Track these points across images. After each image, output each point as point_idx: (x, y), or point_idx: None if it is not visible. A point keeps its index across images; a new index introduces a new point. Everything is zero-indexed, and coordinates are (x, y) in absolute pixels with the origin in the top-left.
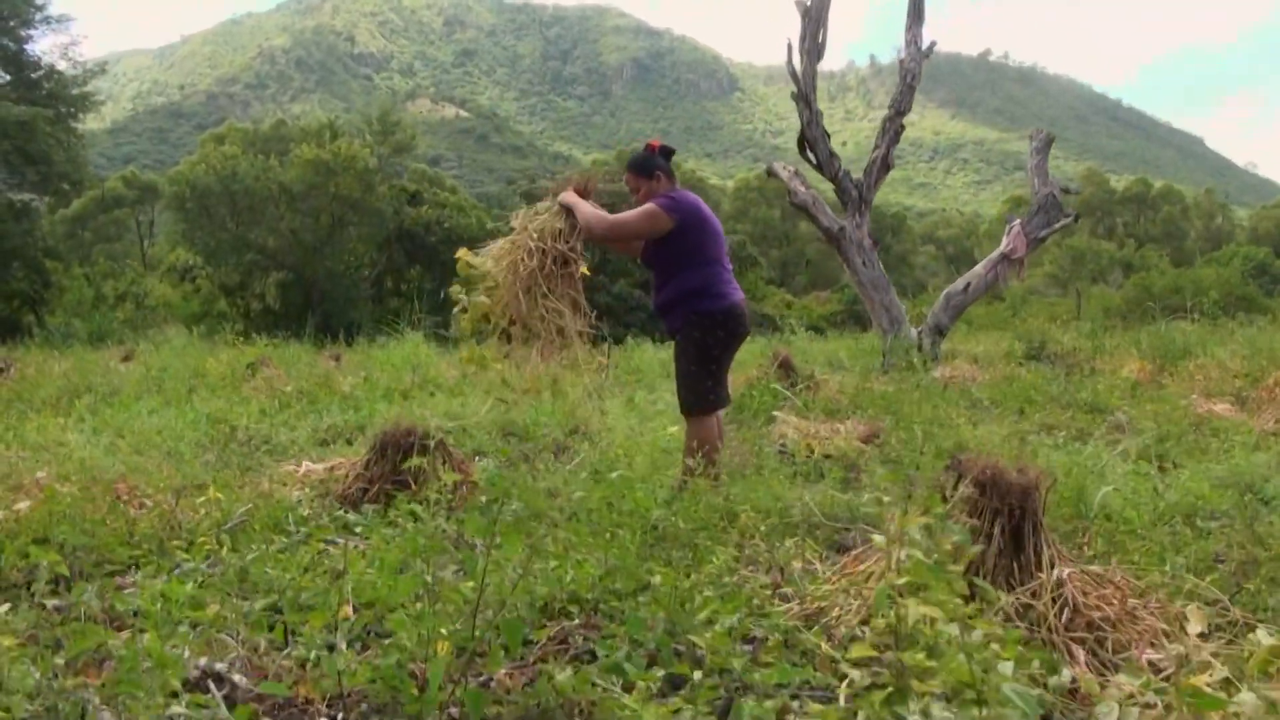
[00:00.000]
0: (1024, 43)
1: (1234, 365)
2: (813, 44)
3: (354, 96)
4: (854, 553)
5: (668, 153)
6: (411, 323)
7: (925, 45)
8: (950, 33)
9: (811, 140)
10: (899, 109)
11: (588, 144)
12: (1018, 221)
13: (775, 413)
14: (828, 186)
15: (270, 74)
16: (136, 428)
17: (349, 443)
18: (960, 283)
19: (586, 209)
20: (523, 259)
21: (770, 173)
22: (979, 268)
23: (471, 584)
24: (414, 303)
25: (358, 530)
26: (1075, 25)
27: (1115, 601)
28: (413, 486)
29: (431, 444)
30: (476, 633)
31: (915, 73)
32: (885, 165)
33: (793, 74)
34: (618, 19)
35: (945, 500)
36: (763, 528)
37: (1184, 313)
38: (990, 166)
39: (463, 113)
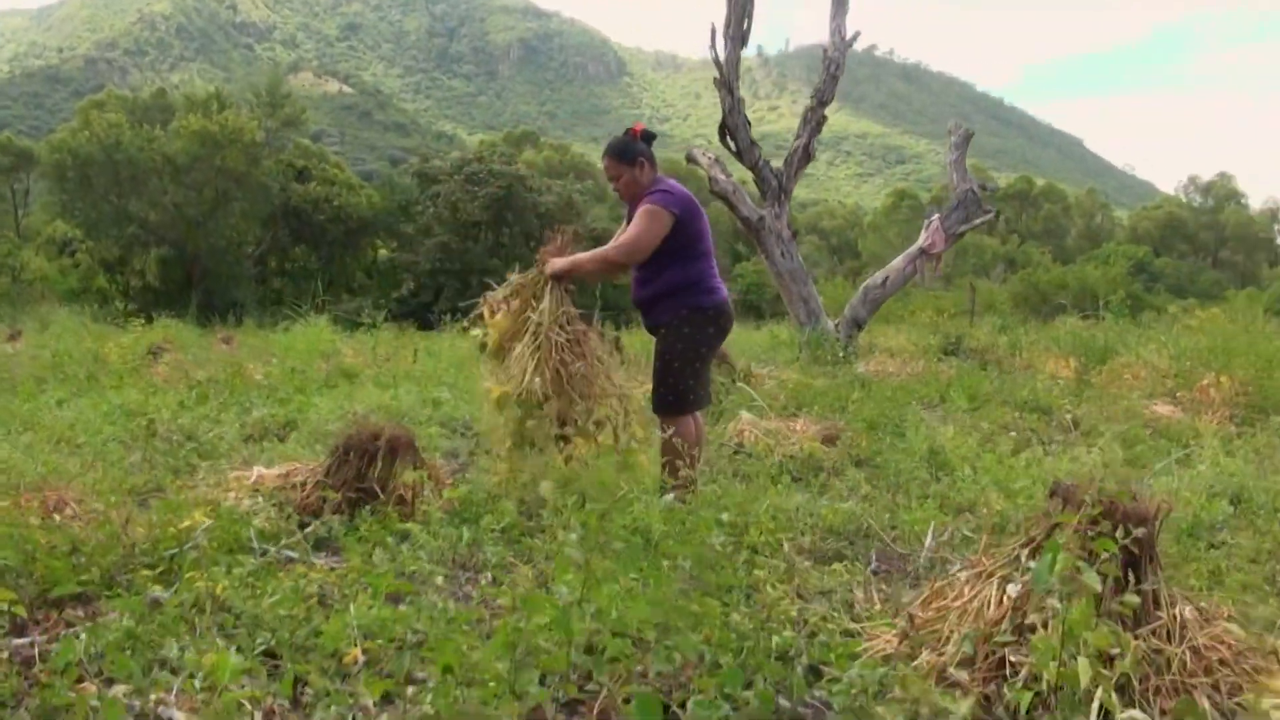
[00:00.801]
0: (909, 40)
1: (1162, 365)
2: (737, 30)
3: (235, 67)
4: (934, 584)
5: (649, 137)
6: (315, 305)
7: (849, 35)
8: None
9: (732, 127)
10: (821, 99)
11: (473, 124)
12: (936, 216)
13: (744, 411)
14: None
15: (150, 40)
16: (46, 421)
17: (279, 439)
18: (878, 276)
19: (587, 257)
20: (544, 366)
21: (690, 159)
22: (897, 261)
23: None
24: (316, 283)
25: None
26: (959, 26)
27: (1229, 641)
28: (380, 496)
29: (399, 447)
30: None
31: (839, 62)
32: (806, 155)
33: (715, 60)
34: None
35: (1048, 532)
36: (785, 545)
37: (1069, 309)
38: (873, 160)
39: (346, 88)
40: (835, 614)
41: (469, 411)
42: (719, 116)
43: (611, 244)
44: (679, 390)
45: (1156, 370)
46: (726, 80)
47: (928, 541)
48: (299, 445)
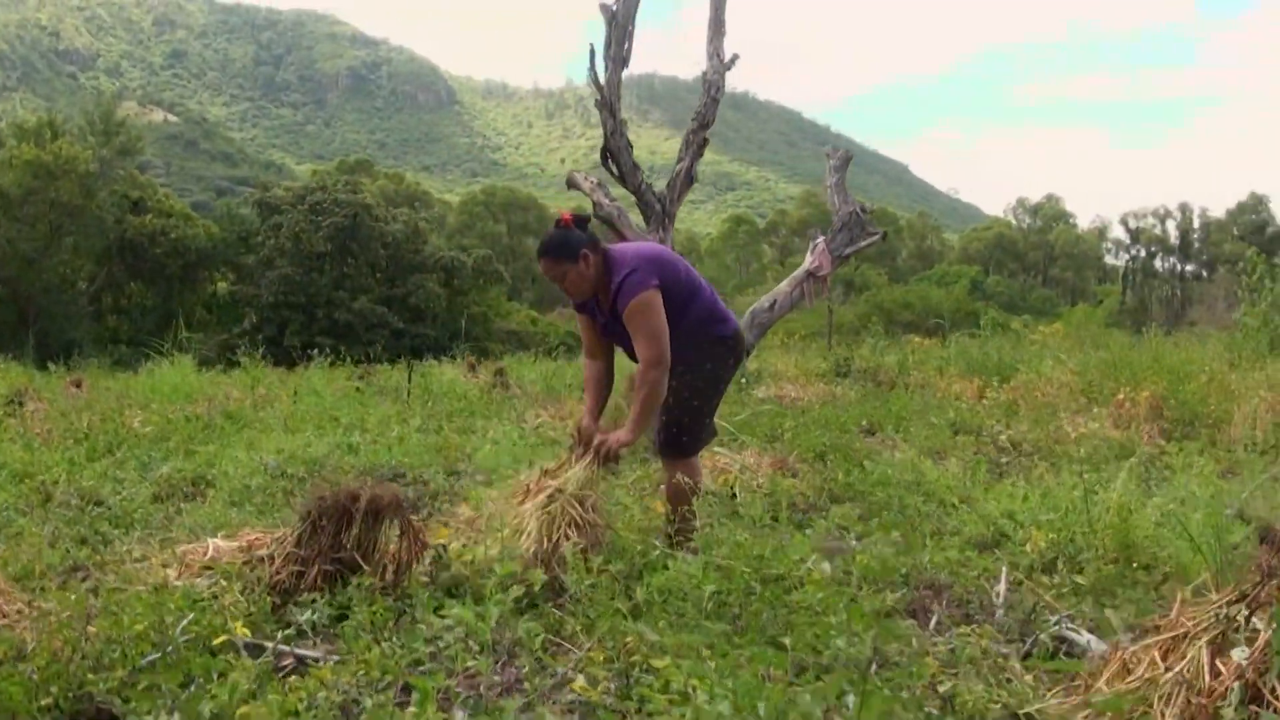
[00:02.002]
0: (738, 69)
1: (1068, 380)
2: (618, 50)
3: (58, 96)
4: (1115, 653)
5: (583, 222)
6: (178, 344)
7: (728, 59)
8: (666, 57)
9: (615, 150)
10: (703, 121)
11: (301, 154)
12: (822, 239)
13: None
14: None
15: None
16: None
17: (196, 499)
18: (765, 300)
19: (639, 412)
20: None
21: (571, 183)
22: (784, 285)
23: None
24: (175, 319)
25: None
26: (785, 54)
27: None
28: (364, 566)
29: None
30: None
31: (718, 85)
32: (689, 178)
33: (595, 81)
34: (333, 25)
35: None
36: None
37: (913, 328)
38: (705, 187)
39: (172, 117)
40: (991, 689)
41: (392, 458)
42: (550, 145)
43: (639, 376)
44: (694, 430)
45: (1065, 386)
46: (609, 102)
47: (1001, 589)
48: (223, 506)
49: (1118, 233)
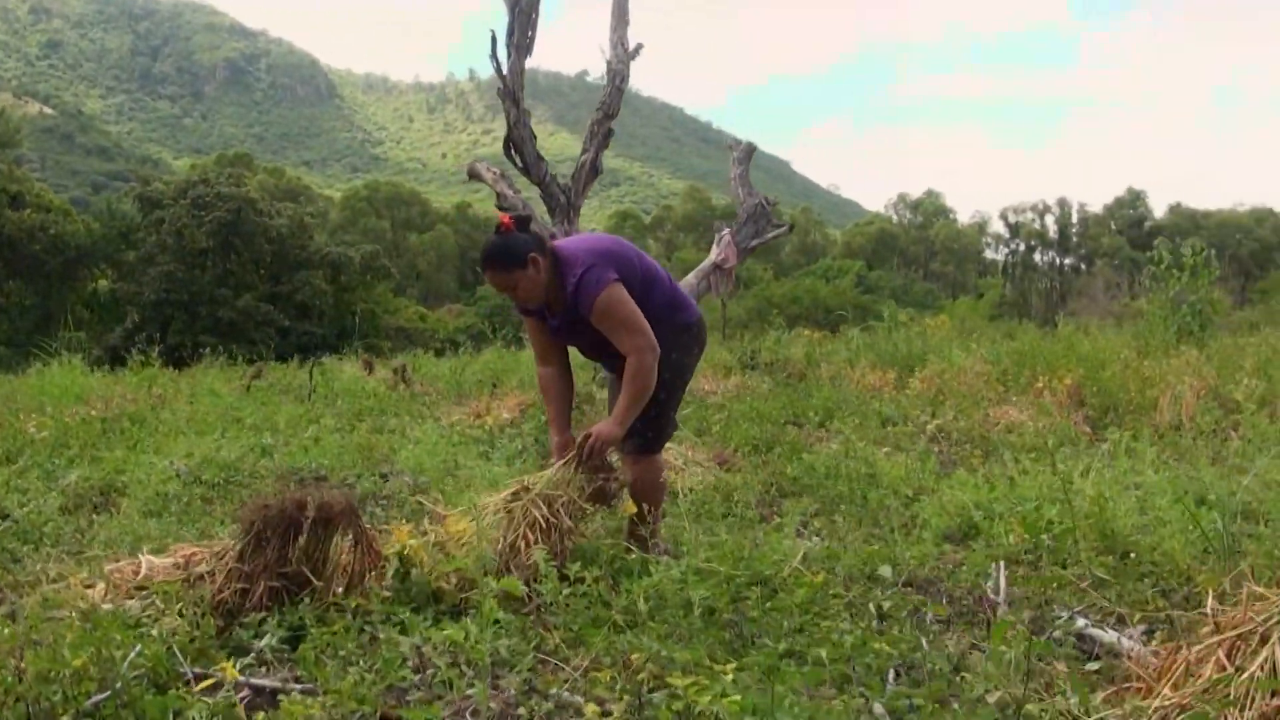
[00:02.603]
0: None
1: (982, 370)
2: (521, 39)
3: None
4: (1168, 652)
5: (525, 222)
6: (68, 345)
7: (632, 47)
8: (549, 52)
9: (518, 141)
10: (607, 112)
11: (179, 148)
12: (728, 231)
13: None
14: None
15: None
16: None
17: (100, 509)
18: None
19: (626, 403)
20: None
21: (472, 174)
22: (690, 278)
23: None
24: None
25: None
26: (666, 51)
27: None
28: (315, 582)
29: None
30: None
31: (623, 74)
32: (594, 170)
33: (498, 70)
34: (211, 16)
35: None
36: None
37: (802, 321)
38: (596, 183)
39: (47, 110)
40: (1039, 694)
41: (310, 460)
42: (432, 140)
43: (631, 366)
44: (660, 425)
45: (980, 376)
46: (511, 91)
47: (1001, 584)
48: (139, 516)
49: (997, 227)
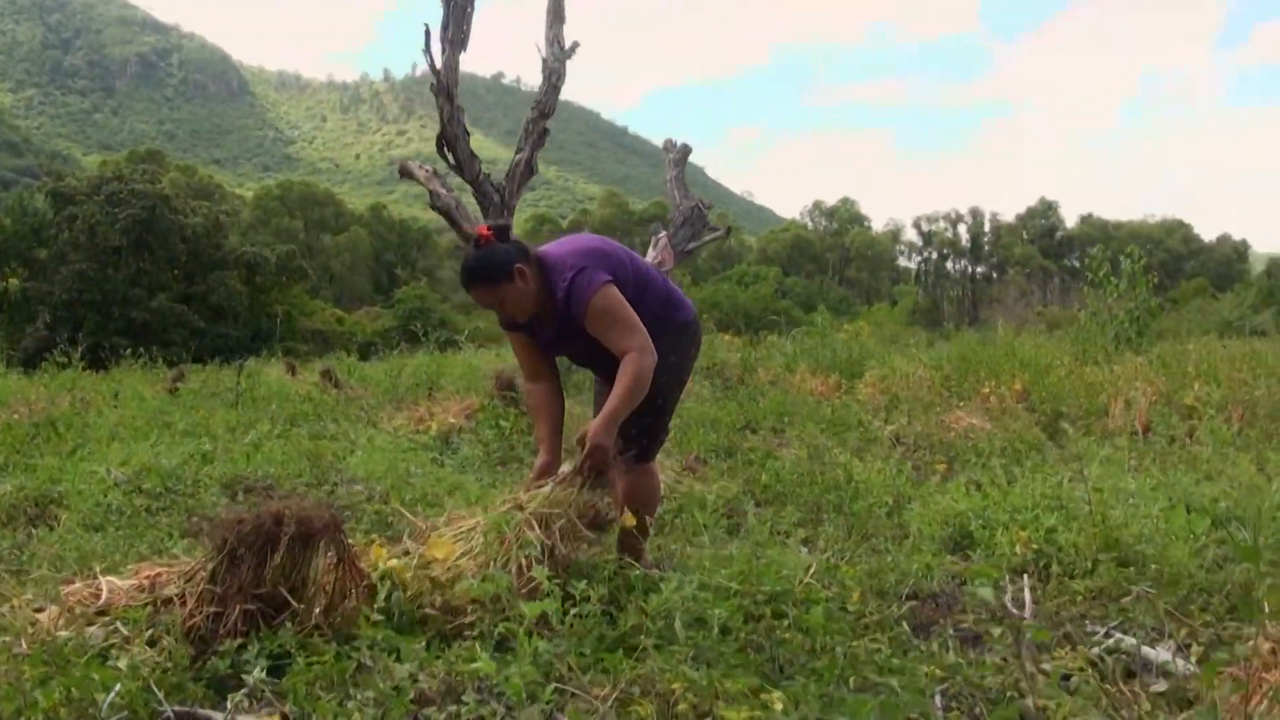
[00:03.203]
0: (534, 69)
1: (924, 375)
2: (456, 33)
3: None
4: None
5: (505, 231)
6: None
7: (568, 45)
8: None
9: (451, 139)
10: (543, 110)
11: (89, 143)
12: (664, 234)
13: None
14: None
15: None
16: None
17: (36, 522)
18: None
19: (616, 401)
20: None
21: (404, 172)
22: None
23: None
24: None
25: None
26: (582, 52)
27: None
28: (294, 604)
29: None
30: None
31: (559, 73)
32: (529, 169)
33: (432, 65)
34: (123, 9)
35: None
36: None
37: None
38: None
39: None
40: None
41: (253, 468)
42: (345, 140)
43: (626, 364)
44: (656, 432)
45: (922, 381)
46: (445, 87)
47: (1026, 598)
48: (81, 530)
49: (911, 235)
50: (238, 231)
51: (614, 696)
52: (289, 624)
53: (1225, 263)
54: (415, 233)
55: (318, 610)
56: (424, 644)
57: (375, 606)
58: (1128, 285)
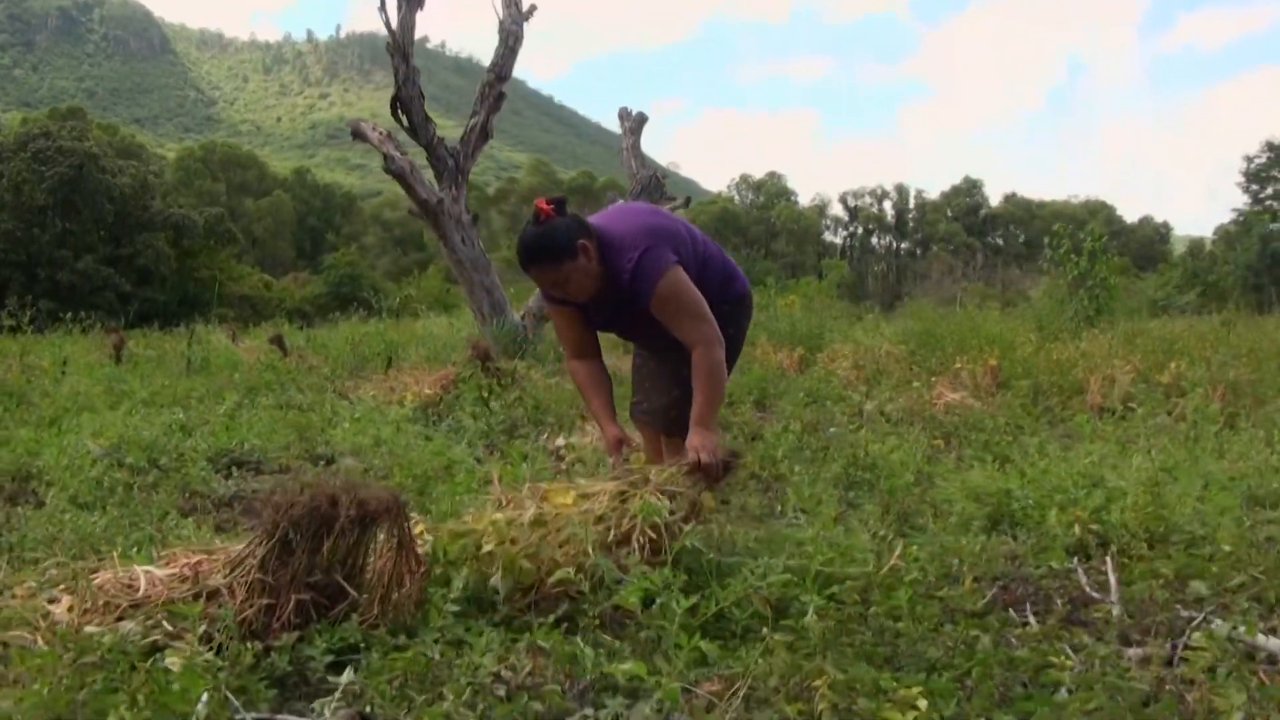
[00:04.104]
0: (461, 34)
1: (890, 349)
2: None
3: None
4: None
5: (563, 205)
6: None
7: (526, 7)
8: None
9: (406, 101)
10: (500, 74)
11: (7, 100)
12: (620, 203)
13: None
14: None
15: None
16: None
17: (16, 500)
18: None
19: (703, 405)
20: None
21: (356, 133)
22: None
23: None
24: None
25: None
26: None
27: None
28: (353, 593)
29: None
30: None
31: (517, 35)
32: (485, 133)
33: (387, 24)
34: None
35: None
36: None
37: None
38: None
39: None
40: None
41: (236, 440)
42: (267, 101)
43: (699, 362)
44: None
45: (890, 355)
46: (401, 46)
47: (1111, 580)
48: (75, 508)
49: (837, 210)
50: (161, 193)
51: (742, 693)
52: (353, 616)
53: (1147, 244)
54: (339, 198)
55: (381, 597)
56: (499, 633)
57: (450, 596)
58: (1088, 264)
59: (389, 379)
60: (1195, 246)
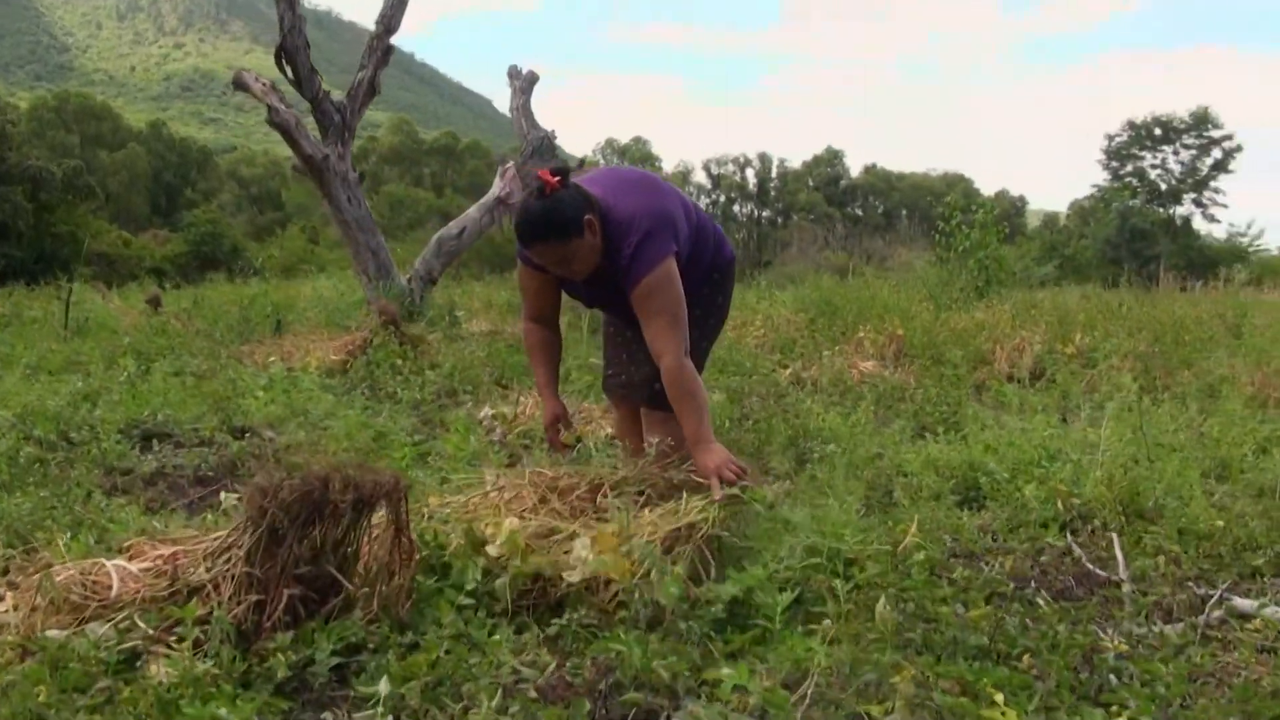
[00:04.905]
0: None
1: (791, 317)
2: None
3: None
4: None
5: (567, 175)
6: None
7: None
8: None
9: (291, 51)
10: (388, 25)
11: None
12: (512, 164)
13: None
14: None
15: None
16: None
17: None
18: (454, 227)
19: (696, 431)
20: None
21: (239, 84)
22: (473, 211)
23: None
24: None
25: None
26: None
27: None
28: (347, 585)
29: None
30: None
31: None
32: (372, 89)
33: None
34: None
35: None
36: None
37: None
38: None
39: None
40: None
41: (146, 410)
42: (121, 50)
43: (670, 379)
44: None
45: (791, 324)
46: None
47: (1119, 556)
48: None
49: (700, 178)
50: (16, 144)
51: (809, 691)
52: (355, 611)
53: (1004, 217)
54: (195, 153)
55: (378, 591)
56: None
57: (465, 588)
58: (979, 235)
59: (284, 344)
60: (1050, 220)
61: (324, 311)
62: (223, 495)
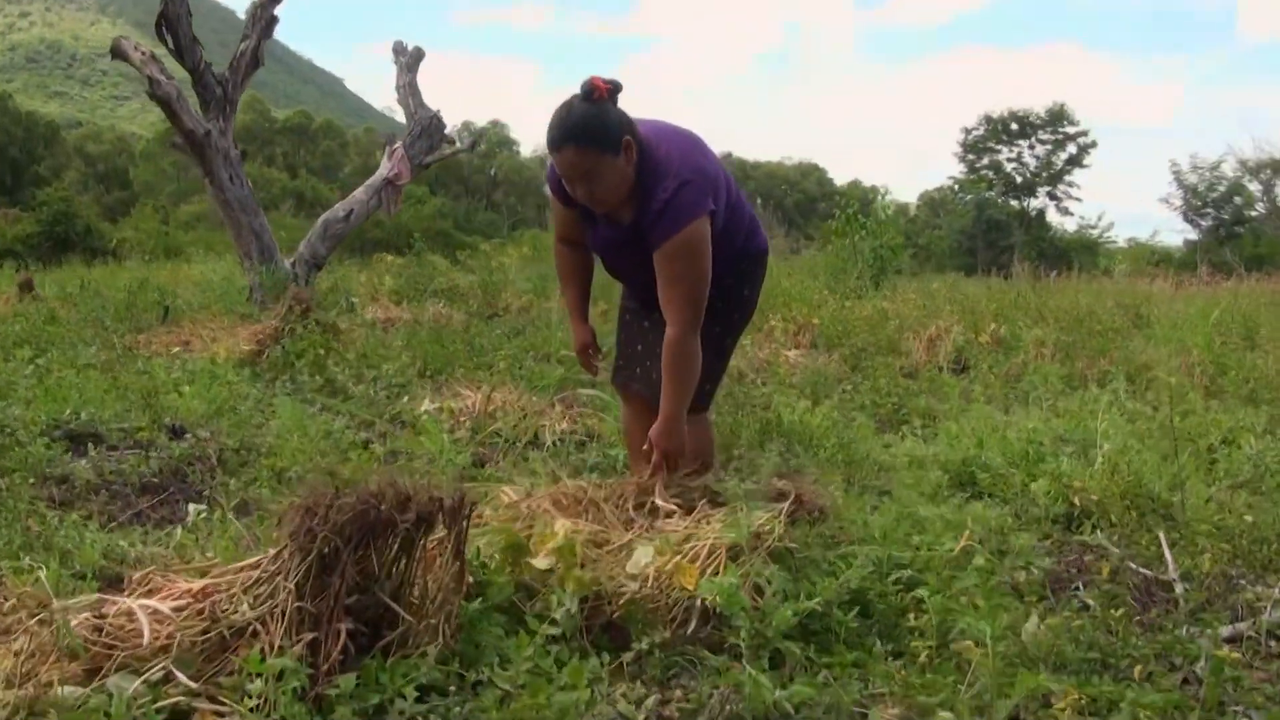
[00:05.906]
0: None
1: None
2: None
3: None
4: None
5: (617, 92)
6: None
7: None
8: None
9: (173, 19)
10: None
11: None
12: (400, 144)
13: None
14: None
15: None
16: None
17: None
18: (340, 209)
19: (670, 408)
20: None
21: (118, 53)
22: (359, 193)
23: None
24: None
25: None
26: None
27: None
28: (409, 619)
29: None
30: None
31: None
32: (255, 61)
33: None
34: None
35: None
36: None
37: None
38: (130, 82)
39: None
40: None
41: (66, 408)
42: None
43: (669, 349)
44: (717, 374)
45: None
46: None
47: (1167, 555)
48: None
49: None
50: None
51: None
52: (429, 650)
53: (864, 207)
54: (42, 128)
55: (442, 623)
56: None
57: (552, 618)
58: (875, 225)
59: (181, 332)
60: (900, 211)
61: (209, 296)
62: (190, 508)
